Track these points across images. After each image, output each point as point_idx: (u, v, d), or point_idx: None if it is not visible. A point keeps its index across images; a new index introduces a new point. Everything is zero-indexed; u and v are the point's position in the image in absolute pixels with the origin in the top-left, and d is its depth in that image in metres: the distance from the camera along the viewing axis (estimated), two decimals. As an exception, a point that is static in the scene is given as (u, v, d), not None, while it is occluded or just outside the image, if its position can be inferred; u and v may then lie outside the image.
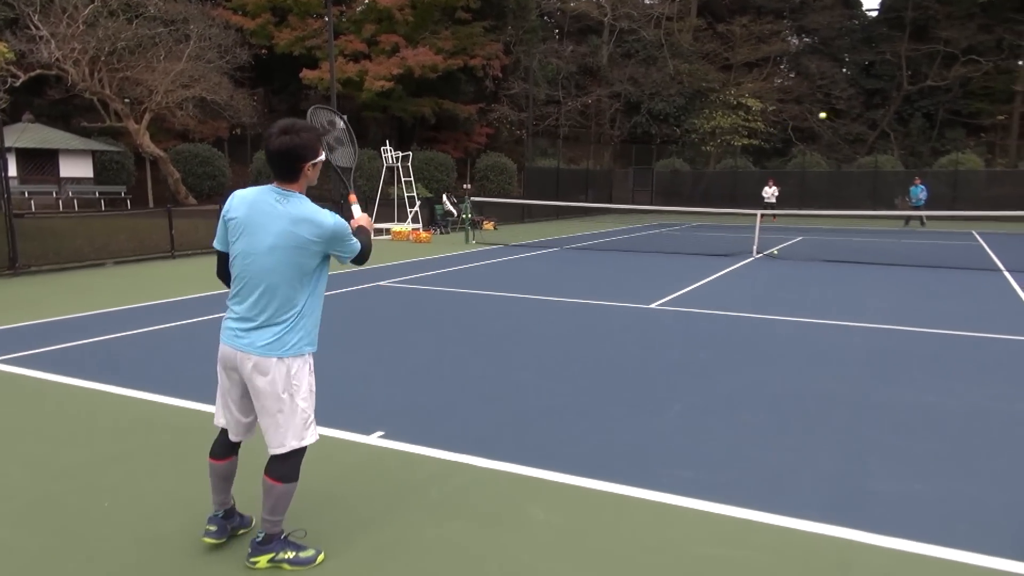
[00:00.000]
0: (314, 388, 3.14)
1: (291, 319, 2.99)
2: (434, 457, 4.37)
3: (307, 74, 30.27)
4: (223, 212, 3.04)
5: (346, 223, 3.07)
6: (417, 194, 22.18)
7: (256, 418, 3.14)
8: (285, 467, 3.07)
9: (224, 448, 3.25)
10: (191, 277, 12.20)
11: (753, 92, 42.37)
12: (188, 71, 25.61)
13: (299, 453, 3.10)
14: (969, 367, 6.59)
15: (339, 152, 3.59)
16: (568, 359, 6.82)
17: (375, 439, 4.65)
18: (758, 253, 16.15)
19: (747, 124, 41.44)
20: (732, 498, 3.82)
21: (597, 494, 3.90)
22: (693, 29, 45.43)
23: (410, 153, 22.29)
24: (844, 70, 46.22)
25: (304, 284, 3.00)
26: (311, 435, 3.11)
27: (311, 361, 3.11)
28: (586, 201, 30.90)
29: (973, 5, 41.27)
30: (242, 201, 3.01)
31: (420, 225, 21.51)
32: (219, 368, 3.15)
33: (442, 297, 10.34)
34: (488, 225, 23.10)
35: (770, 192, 29.32)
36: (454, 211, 23.06)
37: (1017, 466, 4.30)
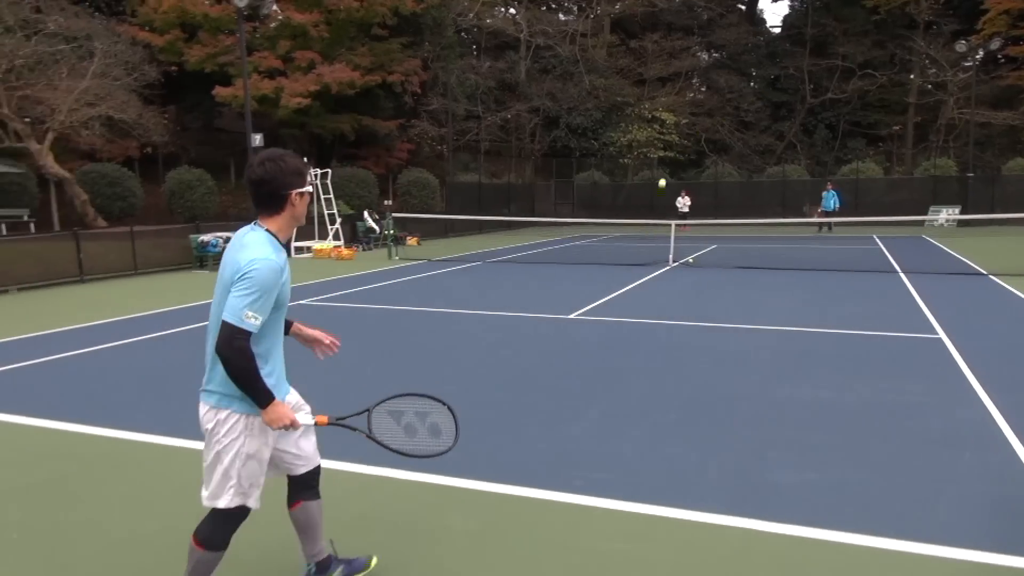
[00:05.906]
0: (250, 453, 2.74)
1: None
2: (349, 471, 4.42)
3: (220, 91, 29.59)
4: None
5: (265, 274, 2.57)
6: (338, 211, 22.00)
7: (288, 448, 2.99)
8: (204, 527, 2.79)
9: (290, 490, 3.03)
10: (100, 302, 11.80)
11: (666, 106, 43.75)
12: (93, 89, 24.66)
13: (220, 515, 2.75)
14: (863, 364, 7.03)
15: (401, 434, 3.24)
16: (489, 370, 6.95)
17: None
18: (675, 262, 16.68)
19: (662, 137, 42.70)
20: (641, 496, 4.02)
21: (514, 499, 4.04)
22: (607, 45, 46.65)
23: (329, 170, 22.11)
24: (752, 84, 48.24)
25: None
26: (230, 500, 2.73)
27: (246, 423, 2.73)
28: (509, 215, 31.24)
29: (867, 23, 43.76)
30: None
31: (342, 242, 21.33)
32: None
33: (364, 314, 10.33)
34: (412, 241, 23.09)
35: (683, 203, 30.37)
36: (376, 227, 22.97)
37: (899, 453, 4.65)
